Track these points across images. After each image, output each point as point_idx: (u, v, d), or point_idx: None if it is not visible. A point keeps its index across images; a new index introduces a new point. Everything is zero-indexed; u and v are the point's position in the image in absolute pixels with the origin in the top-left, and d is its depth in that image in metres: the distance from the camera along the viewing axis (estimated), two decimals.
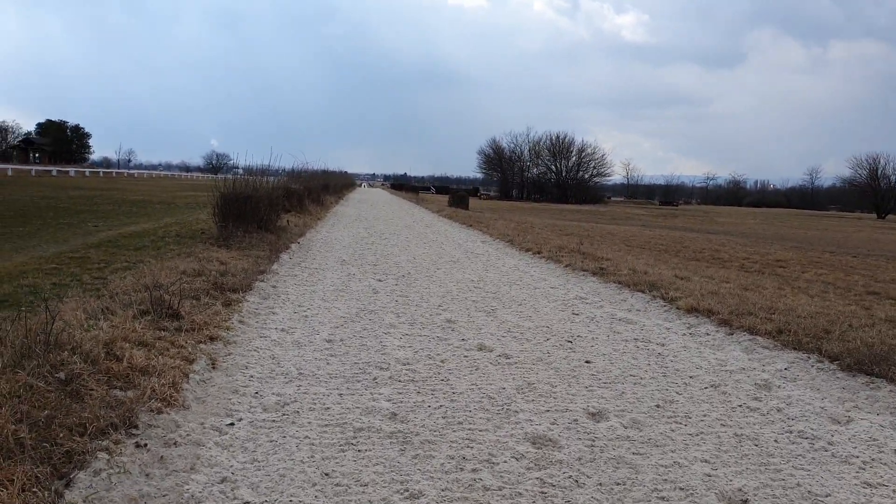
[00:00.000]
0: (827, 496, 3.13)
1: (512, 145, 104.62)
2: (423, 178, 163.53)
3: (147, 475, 3.02)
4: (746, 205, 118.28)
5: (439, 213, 30.29)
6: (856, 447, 3.71)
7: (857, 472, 3.40)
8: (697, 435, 3.81)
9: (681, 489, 3.13)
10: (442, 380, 4.69)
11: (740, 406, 4.33)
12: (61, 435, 2.99)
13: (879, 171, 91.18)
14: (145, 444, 3.25)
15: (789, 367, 5.22)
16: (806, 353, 5.45)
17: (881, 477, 3.35)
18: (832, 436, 3.87)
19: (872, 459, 3.55)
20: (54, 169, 60.20)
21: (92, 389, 3.53)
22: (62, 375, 3.51)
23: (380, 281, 9.03)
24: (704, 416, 4.13)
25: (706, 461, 3.45)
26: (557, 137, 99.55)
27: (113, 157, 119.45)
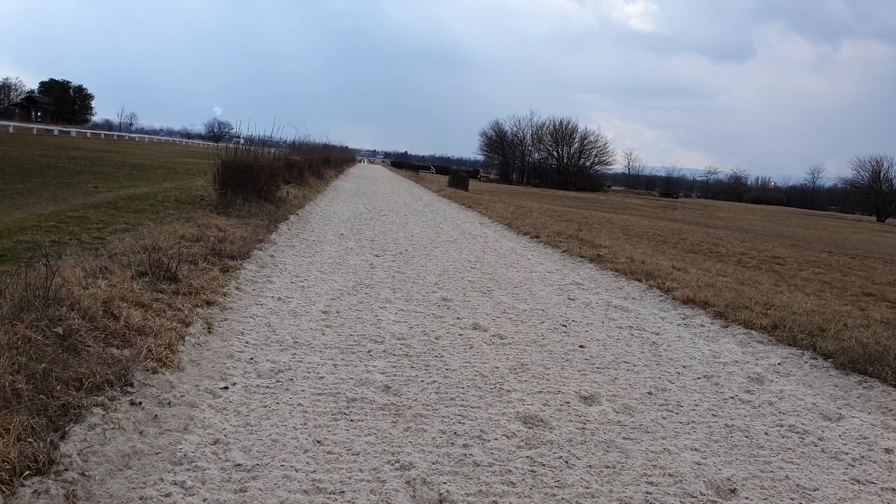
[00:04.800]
0: (815, 490, 3.15)
1: (514, 129, 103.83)
2: (423, 157, 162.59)
3: (141, 433, 3.03)
4: (746, 201, 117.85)
5: (438, 192, 30.20)
6: (846, 444, 3.74)
7: (846, 469, 3.42)
8: (688, 423, 3.83)
9: (670, 475, 3.15)
10: (436, 356, 4.70)
11: (732, 398, 4.35)
12: (58, 388, 2.99)
13: (882, 174, 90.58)
14: (140, 403, 3.26)
15: (783, 362, 5.24)
16: (800, 349, 5.47)
17: (870, 474, 3.38)
18: (823, 431, 3.89)
19: (862, 457, 3.58)
20: (56, 128, 59.63)
21: (89, 346, 3.54)
22: (60, 330, 3.51)
23: (377, 256, 9.02)
24: (696, 405, 4.15)
25: (696, 450, 3.48)
26: (560, 123, 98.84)
27: (115, 119, 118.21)
